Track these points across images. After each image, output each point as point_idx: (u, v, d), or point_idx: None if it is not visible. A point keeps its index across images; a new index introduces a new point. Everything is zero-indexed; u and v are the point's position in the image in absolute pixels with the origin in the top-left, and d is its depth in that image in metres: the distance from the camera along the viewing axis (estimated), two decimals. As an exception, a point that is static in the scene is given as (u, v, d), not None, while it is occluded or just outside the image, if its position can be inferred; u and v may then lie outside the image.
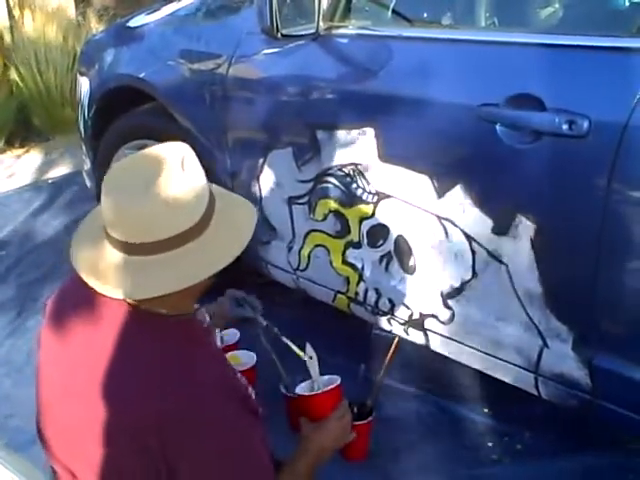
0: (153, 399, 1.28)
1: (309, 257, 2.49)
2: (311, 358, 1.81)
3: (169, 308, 1.36)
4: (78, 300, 1.41)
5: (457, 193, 1.97)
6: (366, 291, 2.35)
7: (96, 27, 5.74)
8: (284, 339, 1.85)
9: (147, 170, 1.30)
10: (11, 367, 2.72)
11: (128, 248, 1.30)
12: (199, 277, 1.33)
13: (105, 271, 1.32)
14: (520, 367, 2.01)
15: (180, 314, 1.39)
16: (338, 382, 1.77)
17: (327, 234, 2.39)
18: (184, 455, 1.28)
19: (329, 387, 1.75)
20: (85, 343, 1.38)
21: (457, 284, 2.08)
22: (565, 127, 1.74)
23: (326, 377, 1.80)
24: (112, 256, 1.32)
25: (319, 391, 1.76)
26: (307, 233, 2.46)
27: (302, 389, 1.80)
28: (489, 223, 1.93)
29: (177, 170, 1.30)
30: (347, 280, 2.39)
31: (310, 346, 1.81)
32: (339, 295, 2.44)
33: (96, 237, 1.36)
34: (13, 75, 4.97)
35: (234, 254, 1.35)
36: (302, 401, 1.77)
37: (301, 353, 1.81)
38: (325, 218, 2.37)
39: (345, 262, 2.38)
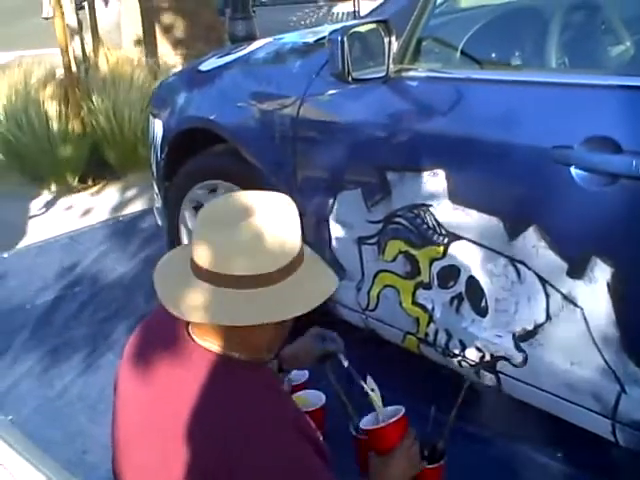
0: (229, 442, 1.31)
1: (378, 297, 2.49)
2: (373, 390, 1.80)
3: (249, 351, 1.41)
4: (161, 340, 1.46)
5: (530, 235, 1.95)
6: (436, 332, 2.34)
7: (168, 68, 5.89)
8: (362, 383, 1.86)
9: (245, 209, 1.37)
10: (85, 404, 2.77)
11: (214, 278, 1.36)
12: (275, 318, 1.38)
13: (189, 297, 1.38)
14: (596, 412, 1.97)
15: (258, 361, 1.43)
16: (402, 412, 1.76)
17: (397, 275, 2.39)
18: None
19: (393, 418, 1.74)
20: (167, 382, 1.42)
21: (530, 327, 2.05)
22: (642, 170, 1.71)
23: (390, 408, 1.80)
24: (197, 286, 1.37)
25: (384, 423, 1.75)
26: (376, 273, 2.47)
27: (366, 422, 1.79)
28: (564, 266, 1.91)
29: (274, 217, 1.36)
30: (417, 321, 2.38)
31: (371, 379, 1.81)
32: (409, 336, 2.44)
33: (181, 271, 1.42)
34: (87, 114, 5.12)
35: (312, 305, 1.39)
36: (370, 436, 1.76)
37: (375, 398, 1.81)
38: (395, 259, 2.37)
39: (415, 303, 2.37)
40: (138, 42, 6.78)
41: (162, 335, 1.46)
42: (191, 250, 1.41)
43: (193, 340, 1.42)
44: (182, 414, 1.35)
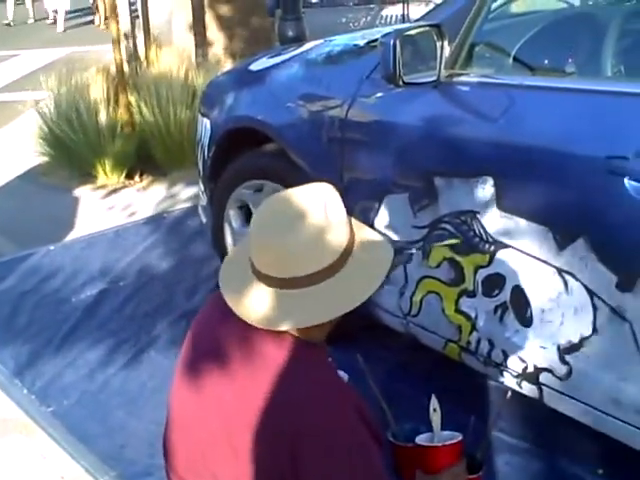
0: (293, 412, 1.36)
1: (421, 303, 2.47)
2: (435, 411, 1.79)
3: (303, 336, 1.44)
4: (222, 327, 1.49)
5: (580, 246, 1.92)
6: (479, 341, 2.31)
7: (216, 66, 5.92)
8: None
9: (292, 210, 1.40)
10: (125, 398, 2.79)
11: (271, 282, 1.41)
12: (335, 313, 1.42)
13: (250, 301, 1.43)
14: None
15: (316, 342, 1.47)
16: (460, 438, 1.74)
17: (441, 281, 2.37)
18: (312, 467, 1.35)
19: (452, 441, 1.73)
20: (229, 366, 1.45)
21: (576, 339, 2.02)
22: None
23: (446, 432, 1.78)
24: (256, 286, 1.43)
25: (441, 443, 1.74)
26: (420, 279, 2.45)
27: (422, 440, 1.78)
28: (613, 278, 1.87)
29: (318, 212, 1.39)
30: (459, 329, 2.36)
31: (435, 398, 1.80)
32: (450, 343, 2.41)
33: (244, 268, 1.47)
34: (136, 111, 5.17)
35: (363, 297, 1.42)
36: (421, 452, 1.75)
37: (435, 418, 1.81)
38: (439, 265, 2.35)
39: (458, 310, 2.35)
40: (188, 40, 6.83)
41: (225, 322, 1.48)
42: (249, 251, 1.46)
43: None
44: (247, 387, 1.40)
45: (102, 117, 5.00)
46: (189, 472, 1.52)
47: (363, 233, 1.50)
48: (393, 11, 11.61)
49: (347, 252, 1.42)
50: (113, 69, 5.30)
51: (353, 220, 1.49)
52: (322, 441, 1.35)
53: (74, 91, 5.13)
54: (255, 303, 1.42)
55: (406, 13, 9.34)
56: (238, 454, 1.40)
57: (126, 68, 5.24)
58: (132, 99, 5.18)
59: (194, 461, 1.50)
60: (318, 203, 1.40)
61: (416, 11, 8.84)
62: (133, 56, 5.81)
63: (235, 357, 1.44)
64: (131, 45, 5.82)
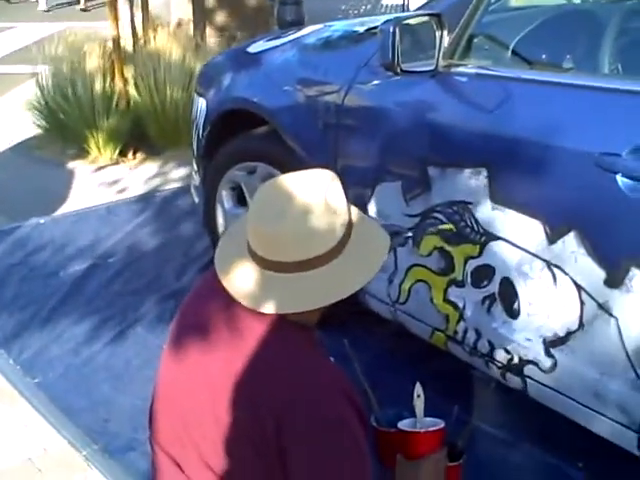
0: (280, 383, 1.37)
1: (409, 291, 2.48)
2: (418, 397, 1.80)
3: (294, 318, 1.44)
4: (213, 302, 1.50)
5: (570, 241, 1.93)
6: (465, 331, 2.32)
7: (213, 48, 5.90)
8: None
9: (291, 195, 1.40)
10: (110, 373, 2.80)
11: (264, 264, 1.41)
12: (323, 302, 1.42)
13: (242, 279, 1.43)
14: (623, 425, 1.94)
15: (305, 324, 1.47)
16: (442, 425, 1.75)
17: (430, 270, 2.38)
18: (297, 439, 1.35)
19: (434, 428, 1.74)
20: (217, 340, 1.46)
21: (562, 333, 2.03)
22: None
23: (429, 419, 1.79)
24: (249, 266, 1.43)
25: (424, 429, 1.75)
26: (409, 267, 2.46)
27: (404, 425, 1.79)
28: (601, 274, 1.89)
29: (318, 198, 1.39)
30: (447, 318, 2.37)
31: (419, 385, 1.81)
32: (437, 332, 2.42)
33: (241, 245, 1.47)
34: (132, 89, 5.15)
35: (360, 284, 1.44)
36: (403, 437, 1.76)
37: (418, 404, 1.81)
38: (430, 254, 2.36)
39: (446, 300, 2.36)
40: (186, 21, 6.80)
41: (214, 298, 1.49)
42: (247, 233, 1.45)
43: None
44: (234, 364, 1.40)
45: (97, 92, 4.97)
46: (173, 445, 1.53)
47: (361, 221, 1.50)
48: (393, 0, 11.57)
49: (343, 241, 1.42)
50: (110, 45, 5.27)
51: (352, 207, 1.49)
52: (307, 412, 1.36)
53: (70, 65, 5.10)
54: (246, 282, 1.42)
55: (406, 3, 9.31)
56: (222, 425, 1.41)
57: (123, 45, 5.20)
58: (129, 76, 5.16)
59: (178, 433, 1.51)
60: (319, 190, 1.40)
61: (416, 1, 8.81)
62: (132, 34, 5.77)
63: (222, 331, 1.45)
64: (129, 23, 5.77)
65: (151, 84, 5.06)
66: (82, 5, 12.49)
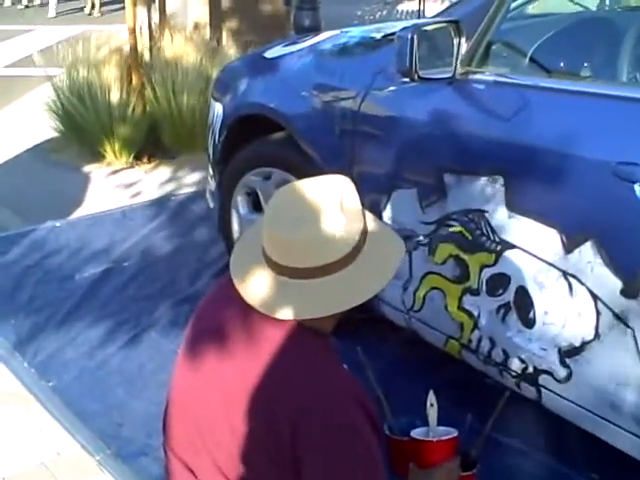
0: (294, 391, 1.37)
1: (424, 299, 2.47)
2: (432, 406, 1.79)
3: (309, 324, 1.44)
4: (228, 307, 1.50)
5: (587, 250, 1.92)
6: (480, 339, 2.31)
7: (230, 52, 5.91)
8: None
9: (306, 201, 1.40)
10: (124, 377, 2.80)
11: (279, 269, 1.41)
12: (338, 308, 1.42)
13: (256, 284, 1.43)
14: (638, 437, 1.93)
15: (321, 330, 1.47)
16: (455, 434, 1.74)
17: (445, 278, 2.37)
18: (311, 449, 1.36)
19: (447, 437, 1.73)
20: (233, 346, 1.46)
21: (577, 343, 2.02)
22: None
23: (442, 428, 1.78)
24: (264, 271, 1.44)
25: (437, 438, 1.74)
26: (424, 275, 2.45)
27: (417, 434, 1.78)
28: (618, 284, 1.87)
29: (333, 204, 1.39)
30: (461, 326, 2.36)
31: (433, 393, 1.80)
32: (451, 340, 2.41)
33: (256, 250, 1.47)
34: (149, 93, 5.17)
35: (375, 290, 1.44)
36: (416, 446, 1.75)
37: (432, 413, 1.81)
38: (445, 262, 2.35)
39: (461, 308, 2.35)
40: (203, 24, 6.81)
41: (229, 304, 1.49)
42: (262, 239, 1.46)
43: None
44: (250, 370, 1.40)
45: (114, 97, 4.99)
46: (187, 450, 1.53)
47: (376, 227, 1.50)
48: (409, 6, 11.57)
49: (358, 247, 1.42)
50: (126, 49, 5.30)
51: (367, 213, 1.49)
52: (322, 419, 1.36)
53: (88, 69, 5.12)
54: (261, 288, 1.43)
55: (422, 9, 9.30)
56: (236, 432, 1.41)
57: (140, 49, 5.22)
58: (145, 80, 5.17)
59: (192, 439, 1.51)
60: (334, 196, 1.40)
61: (432, 8, 8.80)
62: (148, 39, 5.79)
63: (238, 338, 1.45)
64: (146, 28, 5.79)
65: (168, 89, 5.07)
66: (96, 11, 12.54)
